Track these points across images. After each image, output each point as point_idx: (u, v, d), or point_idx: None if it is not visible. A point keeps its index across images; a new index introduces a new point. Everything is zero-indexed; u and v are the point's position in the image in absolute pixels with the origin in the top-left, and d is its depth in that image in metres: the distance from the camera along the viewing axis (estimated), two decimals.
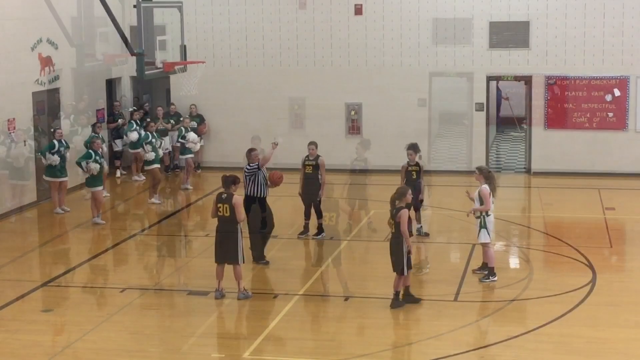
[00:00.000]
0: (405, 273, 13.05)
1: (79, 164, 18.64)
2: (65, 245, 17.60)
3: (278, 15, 24.01)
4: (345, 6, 23.62)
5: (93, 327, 12.54)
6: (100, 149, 19.05)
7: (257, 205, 15.30)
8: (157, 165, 20.65)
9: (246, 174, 15.38)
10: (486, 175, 14.43)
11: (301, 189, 17.16)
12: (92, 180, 18.62)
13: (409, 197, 13.32)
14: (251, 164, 15.43)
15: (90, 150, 18.80)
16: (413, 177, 16.61)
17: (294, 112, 24.15)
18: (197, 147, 22.39)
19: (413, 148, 16.76)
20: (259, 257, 15.33)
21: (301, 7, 23.51)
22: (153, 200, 20.32)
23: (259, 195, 15.35)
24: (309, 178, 17.01)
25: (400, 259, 13.02)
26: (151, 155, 20.49)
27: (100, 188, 18.78)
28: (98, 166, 18.59)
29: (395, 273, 13.18)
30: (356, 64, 23.77)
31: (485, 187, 14.26)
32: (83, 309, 13.58)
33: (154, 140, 21.00)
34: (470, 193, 14.63)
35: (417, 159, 16.68)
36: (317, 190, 16.97)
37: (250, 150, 15.73)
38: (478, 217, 14.35)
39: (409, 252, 13.06)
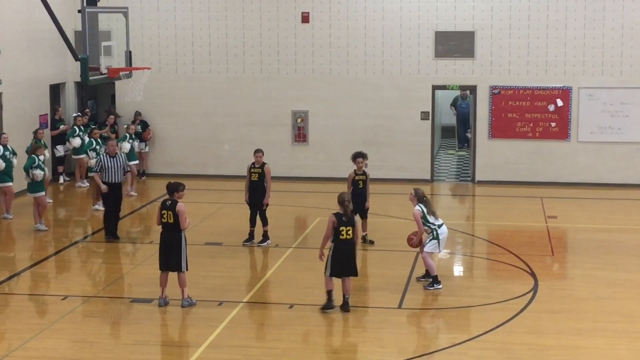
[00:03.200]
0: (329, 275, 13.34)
1: (26, 170, 18.36)
2: (7, 251, 17.33)
3: (225, 22, 23.96)
4: (292, 13, 23.65)
5: (34, 335, 12.36)
6: (43, 155, 18.84)
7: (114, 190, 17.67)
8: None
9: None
10: (420, 198, 14.49)
11: (247, 197, 17.12)
12: (36, 186, 18.38)
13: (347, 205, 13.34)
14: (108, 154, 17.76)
15: (33, 156, 18.57)
16: (360, 186, 16.74)
17: (240, 119, 24.10)
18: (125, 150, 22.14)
19: (362, 156, 16.83)
20: (112, 233, 17.56)
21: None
22: (96, 207, 20.12)
23: (117, 181, 17.68)
24: (255, 185, 16.98)
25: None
26: (94, 162, 20.36)
27: (43, 194, 18.55)
28: (42, 173, 18.39)
29: (348, 278, 13.35)
30: (303, 72, 23.80)
31: (417, 210, 14.35)
32: (24, 316, 13.37)
33: (97, 147, 20.81)
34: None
35: (364, 168, 16.77)
36: (263, 197, 16.96)
37: (107, 139, 18.84)
38: (430, 232, 14.43)
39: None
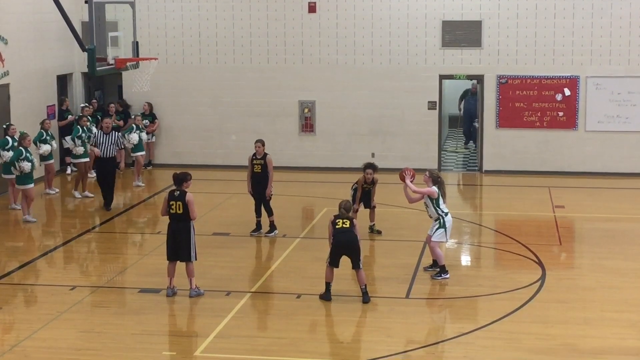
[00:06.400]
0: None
1: (12, 163, 18.26)
2: (16, 242, 17.37)
3: (231, 12, 23.94)
4: (298, 3, 23.62)
5: (42, 325, 12.41)
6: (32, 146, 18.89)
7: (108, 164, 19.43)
8: (86, 160, 20.76)
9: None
10: (435, 179, 14.53)
11: (250, 187, 17.12)
12: (24, 178, 18.31)
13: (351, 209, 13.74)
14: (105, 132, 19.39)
15: (20, 148, 18.45)
16: (366, 189, 16.96)
17: (247, 109, 24.09)
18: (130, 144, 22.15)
19: (372, 168, 16.86)
20: (109, 203, 19.44)
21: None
22: (75, 193, 20.36)
23: (109, 156, 19.37)
24: (258, 177, 16.95)
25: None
26: (80, 150, 20.54)
27: (32, 185, 18.48)
28: (29, 164, 18.29)
29: (355, 270, 13.40)
30: (310, 62, 23.78)
31: (434, 189, 14.37)
32: (32, 306, 13.44)
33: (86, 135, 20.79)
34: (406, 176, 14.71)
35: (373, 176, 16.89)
36: (266, 188, 16.94)
37: (100, 120, 20.31)
38: (437, 219, 14.43)
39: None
